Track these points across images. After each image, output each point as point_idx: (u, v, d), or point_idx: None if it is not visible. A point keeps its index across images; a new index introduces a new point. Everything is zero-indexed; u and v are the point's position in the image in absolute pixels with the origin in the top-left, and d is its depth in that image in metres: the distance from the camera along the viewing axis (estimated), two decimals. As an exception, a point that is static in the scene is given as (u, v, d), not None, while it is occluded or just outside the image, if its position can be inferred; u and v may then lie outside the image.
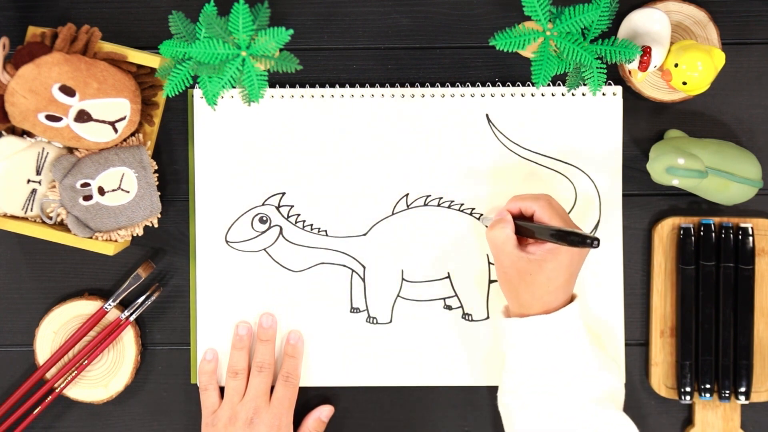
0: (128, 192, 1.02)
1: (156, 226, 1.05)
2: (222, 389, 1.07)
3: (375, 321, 1.08)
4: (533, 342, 0.97)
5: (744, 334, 1.06)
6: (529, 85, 1.07)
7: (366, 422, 1.09)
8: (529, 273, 0.96)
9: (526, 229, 0.98)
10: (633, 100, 1.07)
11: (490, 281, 1.07)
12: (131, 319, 1.07)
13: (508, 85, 1.07)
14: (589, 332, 0.99)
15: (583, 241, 0.92)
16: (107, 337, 1.06)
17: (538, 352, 0.97)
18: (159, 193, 1.04)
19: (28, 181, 1.01)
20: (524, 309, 0.98)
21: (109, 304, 1.06)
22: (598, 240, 0.91)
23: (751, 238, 1.05)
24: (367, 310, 1.08)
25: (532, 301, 0.97)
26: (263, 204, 1.07)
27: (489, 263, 1.07)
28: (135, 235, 1.04)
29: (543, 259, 0.96)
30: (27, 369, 1.09)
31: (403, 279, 1.07)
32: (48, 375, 1.07)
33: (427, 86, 1.07)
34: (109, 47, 1.00)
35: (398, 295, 1.08)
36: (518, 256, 0.97)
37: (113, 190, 1.01)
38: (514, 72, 1.07)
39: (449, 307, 1.08)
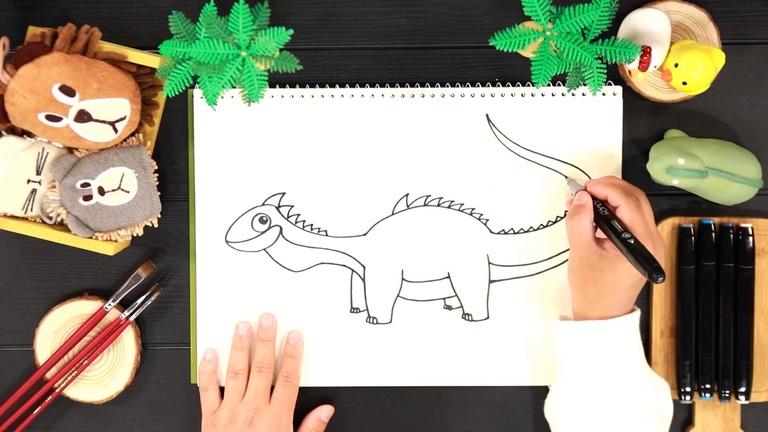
0: (128, 192, 1.02)
1: (156, 226, 1.05)
2: (222, 389, 1.07)
3: (375, 321, 1.08)
4: (588, 346, 0.97)
5: (744, 334, 1.06)
6: (529, 85, 1.07)
7: (366, 422, 1.09)
8: (599, 269, 0.96)
9: (601, 224, 0.96)
10: (633, 100, 1.07)
11: (490, 281, 1.07)
12: (131, 319, 1.07)
13: (508, 85, 1.07)
14: (641, 349, 0.99)
15: (647, 270, 0.90)
16: (107, 337, 1.06)
17: (592, 357, 0.97)
18: (159, 193, 1.04)
19: (28, 181, 1.01)
20: (587, 304, 0.98)
21: (109, 304, 1.06)
22: (663, 276, 0.89)
23: (751, 238, 1.05)
24: (367, 310, 1.08)
25: (596, 297, 0.97)
26: (263, 204, 1.07)
27: (489, 263, 1.07)
28: (135, 235, 1.04)
29: (616, 257, 0.95)
30: (27, 369, 1.09)
31: (403, 279, 1.07)
32: (48, 375, 1.07)
33: (427, 86, 1.07)
34: (109, 47, 1.00)
35: (398, 295, 1.08)
36: (592, 249, 0.96)
37: (113, 190, 1.01)
38: (514, 72, 1.07)
39: (449, 307, 1.08)
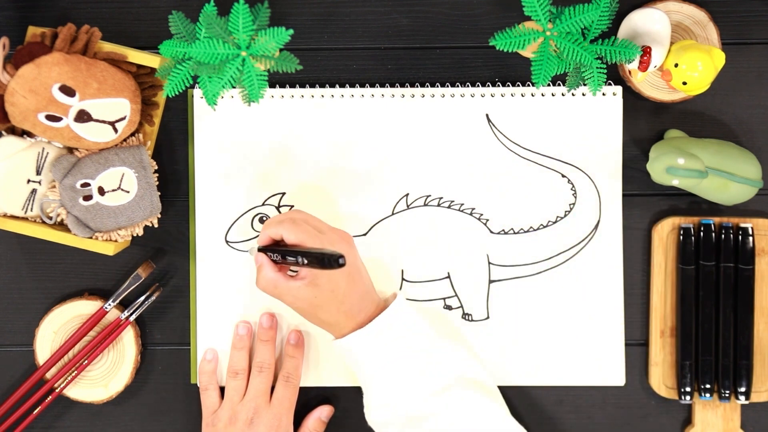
0: (128, 192, 1.02)
1: (156, 226, 1.05)
2: (222, 389, 1.07)
3: (375, 321, 1.08)
4: (360, 357, 0.98)
5: (744, 334, 1.06)
6: (529, 85, 1.07)
7: (366, 422, 1.09)
8: (314, 296, 0.96)
9: (282, 261, 0.97)
10: (633, 100, 1.07)
11: (490, 281, 1.07)
12: (131, 319, 1.07)
13: (508, 85, 1.07)
14: (425, 323, 1.00)
15: (326, 265, 0.91)
16: (107, 337, 1.06)
17: (369, 364, 0.98)
18: (159, 193, 1.04)
19: (28, 181, 1.01)
20: (342, 329, 0.98)
21: (109, 304, 1.06)
22: (342, 258, 0.90)
23: (751, 238, 1.05)
24: (367, 310, 1.08)
25: (339, 319, 0.97)
26: (263, 204, 1.07)
27: (489, 263, 1.07)
28: (135, 235, 1.04)
29: (314, 276, 0.95)
30: (27, 369, 1.09)
31: (403, 279, 1.07)
32: (48, 375, 1.07)
33: (427, 86, 1.07)
34: (109, 47, 1.00)
35: (398, 295, 1.08)
36: (295, 287, 0.96)
37: (113, 190, 1.01)
38: (514, 72, 1.07)
39: (449, 307, 1.08)
